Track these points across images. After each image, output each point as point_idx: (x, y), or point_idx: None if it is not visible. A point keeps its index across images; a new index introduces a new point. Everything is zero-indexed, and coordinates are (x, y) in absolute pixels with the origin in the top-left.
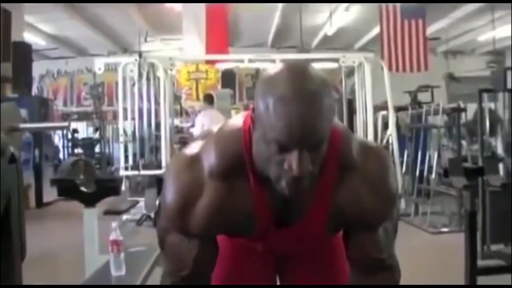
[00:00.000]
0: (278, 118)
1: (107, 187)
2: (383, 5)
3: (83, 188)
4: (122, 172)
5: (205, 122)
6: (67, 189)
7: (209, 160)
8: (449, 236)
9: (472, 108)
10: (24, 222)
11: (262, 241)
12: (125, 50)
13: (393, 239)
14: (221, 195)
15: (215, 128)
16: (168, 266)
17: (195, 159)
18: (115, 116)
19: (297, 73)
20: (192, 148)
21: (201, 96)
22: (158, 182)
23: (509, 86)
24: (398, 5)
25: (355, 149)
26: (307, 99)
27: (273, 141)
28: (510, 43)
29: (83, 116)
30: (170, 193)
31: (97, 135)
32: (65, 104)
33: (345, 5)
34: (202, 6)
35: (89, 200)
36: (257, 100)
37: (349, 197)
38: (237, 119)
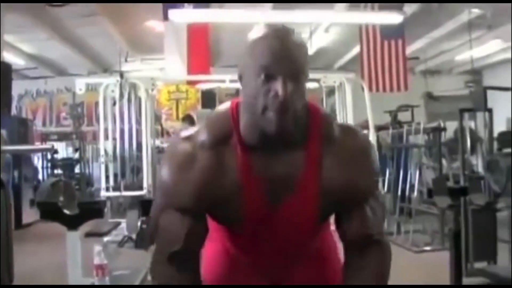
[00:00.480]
0: (263, 49)
1: (91, 209)
2: (363, 25)
3: (66, 211)
4: (104, 193)
5: None
6: (50, 212)
7: (201, 136)
8: (432, 255)
9: (451, 126)
10: (12, 246)
11: (255, 233)
12: (105, 70)
13: (382, 220)
14: (210, 165)
15: None
16: (159, 243)
17: (188, 138)
18: (95, 136)
19: (276, 27)
20: (186, 132)
21: (181, 116)
22: (140, 204)
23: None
24: (378, 25)
25: (335, 126)
26: (286, 36)
27: (260, 71)
28: (487, 62)
29: (62, 136)
30: (165, 169)
31: (76, 156)
32: (44, 124)
33: (325, 25)
34: (183, 26)
35: (72, 223)
36: (243, 57)
37: (335, 169)
38: (224, 104)
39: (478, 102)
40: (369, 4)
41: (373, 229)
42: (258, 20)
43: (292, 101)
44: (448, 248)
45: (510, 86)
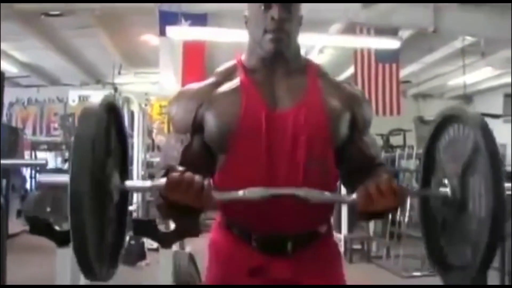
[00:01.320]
0: None
1: None
2: (358, 48)
3: (57, 227)
4: None
5: None
6: (39, 227)
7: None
8: (422, 280)
9: None
10: (5, 255)
11: (254, 150)
12: (98, 81)
13: (379, 151)
14: (212, 82)
15: None
16: (161, 161)
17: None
18: None
19: None
20: None
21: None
22: (133, 223)
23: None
24: (372, 49)
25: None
26: None
27: (260, 2)
28: (478, 88)
29: (52, 147)
30: (171, 101)
31: (66, 166)
32: (34, 133)
33: (319, 46)
34: (179, 42)
35: (63, 240)
36: (248, 6)
37: (335, 99)
38: None
39: None
40: (365, 29)
41: (375, 153)
42: None
43: (286, 23)
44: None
45: (499, 112)
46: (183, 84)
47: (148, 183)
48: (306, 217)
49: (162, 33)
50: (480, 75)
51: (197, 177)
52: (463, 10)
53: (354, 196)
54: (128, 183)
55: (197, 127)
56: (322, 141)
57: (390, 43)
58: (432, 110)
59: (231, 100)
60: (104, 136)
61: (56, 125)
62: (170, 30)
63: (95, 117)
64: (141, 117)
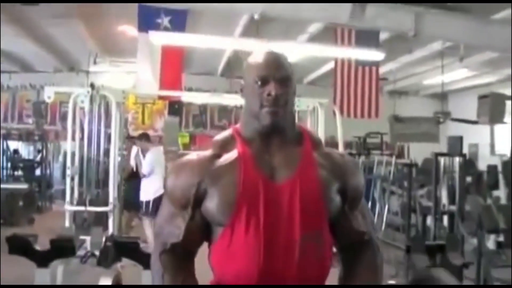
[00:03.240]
0: (258, 63)
1: (62, 246)
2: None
3: (37, 247)
4: (68, 207)
5: (153, 160)
6: (20, 247)
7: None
8: None
9: (413, 147)
10: None
11: (253, 218)
12: (72, 68)
13: (370, 222)
14: (211, 155)
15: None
16: (162, 236)
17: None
18: (57, 135)
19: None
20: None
21: (147, 121)
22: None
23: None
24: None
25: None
26: (276, 53)
27: (257, 78)
28: (453, 88)
29: (24, 134)
30: (168, 176)
31: (38, 158)
32: (5, 120)
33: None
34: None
35: (43, 260)
36: (243, 74)
37: (329, 169)
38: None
39: (454, 147)
40: (346, 32)
41: (366, 228)
42: (233, 46)
43: (282, 98)
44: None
45: (471, 110)
46: (161, 85)
47: None
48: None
49: (141, 28)
50: (456, 75)
51: None
52: (444, 15)
53: None
54: None
55: (197, 202)
56: (317, 213)
57: (375, 55)
58: (408, 108)
59: (230, 174)
60: None
61: (28, 113)
62: (152, 35)
63: None
64: (118, 113)
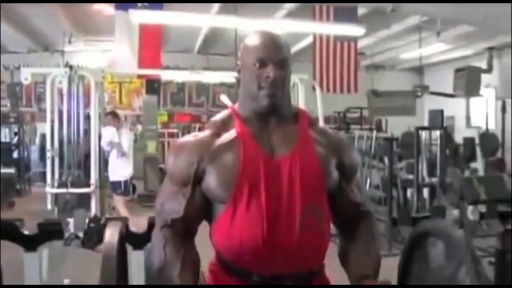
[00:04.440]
0: (256, 44)
1: (50, 230)
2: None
3: (24, 231)
4: (49, 190)
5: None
6: (7, 232)
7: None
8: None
9: (391, 120)
10: None
11: (257, 180)
12: (46, 48)
13: (364, 194)
14: (209, 134)
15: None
16: (163, 212)
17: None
18: (33, 117)
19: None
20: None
21: (124, 100)
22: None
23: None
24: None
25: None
26: (273, 34)
27: (255, 60)
28: (429, 61)
29: None
30: (168, 156)
31: (15, 140)
32: None
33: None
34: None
35: (30, 244)
36: (241, 55)
37: (325, 146)
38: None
39: (435, 121)
40: (324, 7)
41: (361, 199)
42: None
43: (280, 80)
44: (395, 254)
45: (447, 83)
46: (140, 64)
47: None
48: (305, 258)
49: (118, 6)
50: (432, 49)
51: None
52: None
53: None
54: None
55: (197, 179)
56: (316, 187)
57: (356, 30)
58: (385, 82)
59: (230, 152)
60: None
61: (3, 95)
62: (133, 13)
63: None
64: (97, 93)
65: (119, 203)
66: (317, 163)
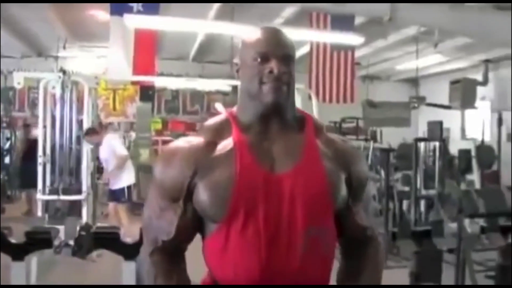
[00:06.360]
0: (258, 39)
1: (39, 239)
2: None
3: (12, 240)
4: (40, 196)
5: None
6: None
7: (197, 133)
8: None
9: (385, 131)
10: None
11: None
12: (40, 53)
13: (372, 218)
14: (204, 142)
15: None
16: (150, 235)
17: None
18: (25, 123)
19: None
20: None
21: (118, 107)
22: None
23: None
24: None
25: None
26: (276, 28)
27: (256, 55)
28: (425, 73)
29: None
30: (155, 166)
31: (7, 145)
32: None
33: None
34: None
35: (18, 253)
36: (239, 53)
37: (332, 157)
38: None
39: (434, 132)
40: (321, 16)
41: (368, 223)
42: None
43: (285, 76)
44: (391, 266)
45: (443, 94)
46: (135, 70)
47: None
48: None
49: (113, 11)
50: (429, 61)
51: None
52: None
53: None
54: None
55: (189, 194)
56: (322, 207)
57: (354, 39)
58: (380, 92)
59: (226, 166)
60: None
61: None
62: (127, 17)
63: None
64: (90, 99)
65: (122, 211)
66: (324, 180)
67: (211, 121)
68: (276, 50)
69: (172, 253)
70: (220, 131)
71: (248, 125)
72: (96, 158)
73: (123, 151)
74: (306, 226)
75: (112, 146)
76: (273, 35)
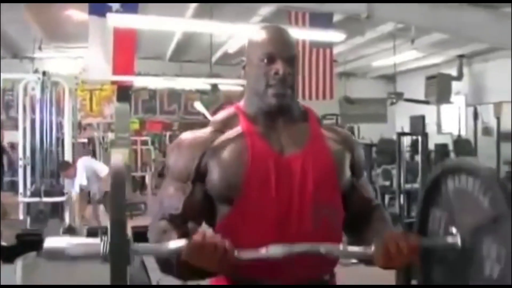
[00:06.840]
0: (264, 40)
1: (29, 241)
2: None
3: (4, 243)
4: (21, 199)
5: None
6: None
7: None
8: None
9: (363, 127)
10: None
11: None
12: (15, 55)
13: (371, 189)
14: (215, 130)
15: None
16: (162, 207)
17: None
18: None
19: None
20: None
21: (95, 107)
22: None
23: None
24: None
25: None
26: (281, 29)
27: (263, 56)
28: (401, 69)
29: None
30: (168, 153)
31: None
32: None
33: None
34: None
35: (8, 256)
36: (246, 52)
37: (335, 144)
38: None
39: (416, 127)
40: (300, 14)
41: (372, 195)
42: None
43: (290, 78)
44: None
45: (418, 90)
46: (114, 70)
47: (165, 247)
48: (317, 264)
49: (92, 11)
50: (404, 57)
51: (219, 241)
52: None
53: (373, 250)
54: (141, 246)
55: (199, 176)
56: (330, 186)
57: (335, 36)
58: (357, 89)
59: (237, 149)
60: None
61: None
62: (110, 16)
63: None
64: (70, 100)
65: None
66: (331, 159)
67: (219, 115)
68: (282, 51)
69: (178, 225)
70: (227, 123)
71: (255, 118)
72: (80, 190)
73: (104, 168)
74: (316, 203)
75: (92, 168)
76: (279, 35)
